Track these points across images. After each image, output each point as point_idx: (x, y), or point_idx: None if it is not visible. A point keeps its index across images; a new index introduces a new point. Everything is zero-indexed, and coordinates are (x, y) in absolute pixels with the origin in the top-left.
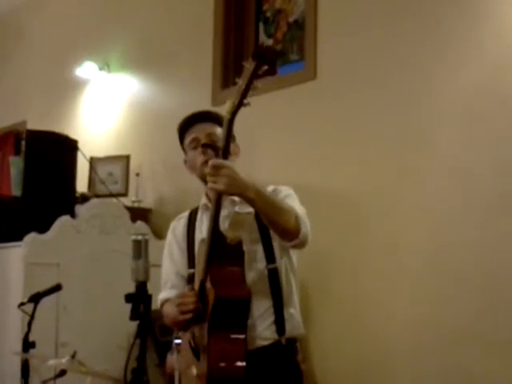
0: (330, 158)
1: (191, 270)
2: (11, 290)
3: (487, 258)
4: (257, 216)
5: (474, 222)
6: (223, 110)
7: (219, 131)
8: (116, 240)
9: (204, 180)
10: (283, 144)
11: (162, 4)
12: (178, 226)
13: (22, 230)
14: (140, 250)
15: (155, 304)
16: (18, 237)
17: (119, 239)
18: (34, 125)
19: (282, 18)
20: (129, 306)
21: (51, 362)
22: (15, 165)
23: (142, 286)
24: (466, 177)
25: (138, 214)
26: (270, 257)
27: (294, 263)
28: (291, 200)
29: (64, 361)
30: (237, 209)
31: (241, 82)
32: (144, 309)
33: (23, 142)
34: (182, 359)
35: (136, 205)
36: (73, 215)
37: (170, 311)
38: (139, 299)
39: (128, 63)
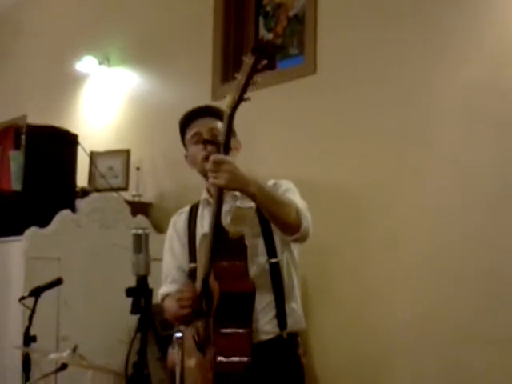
0: (329, 152)
1: (192, 265)
2: (12, 284)
3: (488, 255)
4: (258, 210)
5: (475, 218)
6: (223, 105)
7: (220, 126)
8: (116, 234)
9: (205, 175)
10: (283, 138)
11: None
12: (178, 221)
13: (23, 224)
14: (140, 244)
15: (156, 298)
16: (18, 231)
17: (120, 233)
18: (34, 119)
19: (282, 12)
20: (129, 300)
21: (52, 355)
22: (15, 159)
23: (142, 280)
24: (466, 172)
25: (139, 208)
26: (271, 251)
27: (295, 257)
28: (292, 194)
29: (65, 354)
30: (238, 203)
31: (240, 77)
32: (145, 303)
33: (23, 137)
34: (184, 353)
35: (136, 199)
36: (73, 209)
37: (170, 306)
38: (140, 293)
39: (128, 57)
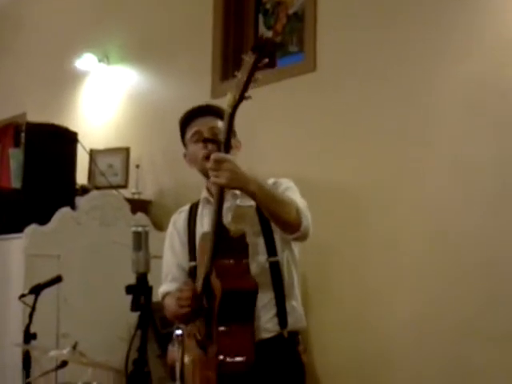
0: (329, 151)
1: (192, 263)
2: (12, 281)
3: (488, 252)
4: (258, 209)
5: (475, 217)
6: (223, 103)
7: (220, 125)
8: (116, 232)
9: (205, 174)
10: (283, 136)
11: None
12: (178, 220)
13: (23, 221)
14: (140, 241)
15: (156, 295)
16: (18, 229)
17: (119, 231)
18: (34, 117)
19: (282, 10)
20: (129, 298)
21: (52, 353)
22: (15, 157)
23: (142, 278)
24: (467, 170)
25: (138, 205)
26: (271, 250)
27: (295, 256)
28: (292, 193)
29: (65, 352)
30: (238, 202)
31: (241, 76)
32: (145, 300)
33: (23, 134)
34: (184, 351)
35: (136, 197)
36: (73, 207)
37: (170, 304)
38: (140, 291)
39: (127, 55)
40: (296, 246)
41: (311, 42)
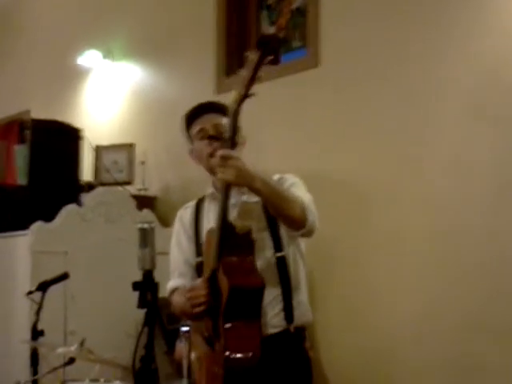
0: (331, 146)
1: (199, 259)
2: (18, 278)
3: (490, 247)
4: (264, 205)
5: (476, 211)
6: (226, 99)
7: (225, 122)
8: (122, 228)
9: (211, 171)
10: (285, 131)
11: None
12: (185, 215)
13: (28, 218)
14: (146, 238)
15: (162, 292)
16: (24, 225)
17: (125, 227)
18: (38, 114)
19: (286, 6)
20: (136, 294)
21: (60, 349)
22: (20, 154)
23: (148, 274)
24: (467, 170)
25: (144, 202)
26: (277, 245)
27: (302, 251)
28: (297, 188)
29: (73, 349)
30: (244, 198)
31: (245, 73)
32: (151, 297)
33: (28, 131)
34: (191, 348)
35: (142, 193)
36: (78, 204)
37: (178, 300)
38: (146, 287)
39: (132, 51)
40: (303, 241)
41: (314, 37)
